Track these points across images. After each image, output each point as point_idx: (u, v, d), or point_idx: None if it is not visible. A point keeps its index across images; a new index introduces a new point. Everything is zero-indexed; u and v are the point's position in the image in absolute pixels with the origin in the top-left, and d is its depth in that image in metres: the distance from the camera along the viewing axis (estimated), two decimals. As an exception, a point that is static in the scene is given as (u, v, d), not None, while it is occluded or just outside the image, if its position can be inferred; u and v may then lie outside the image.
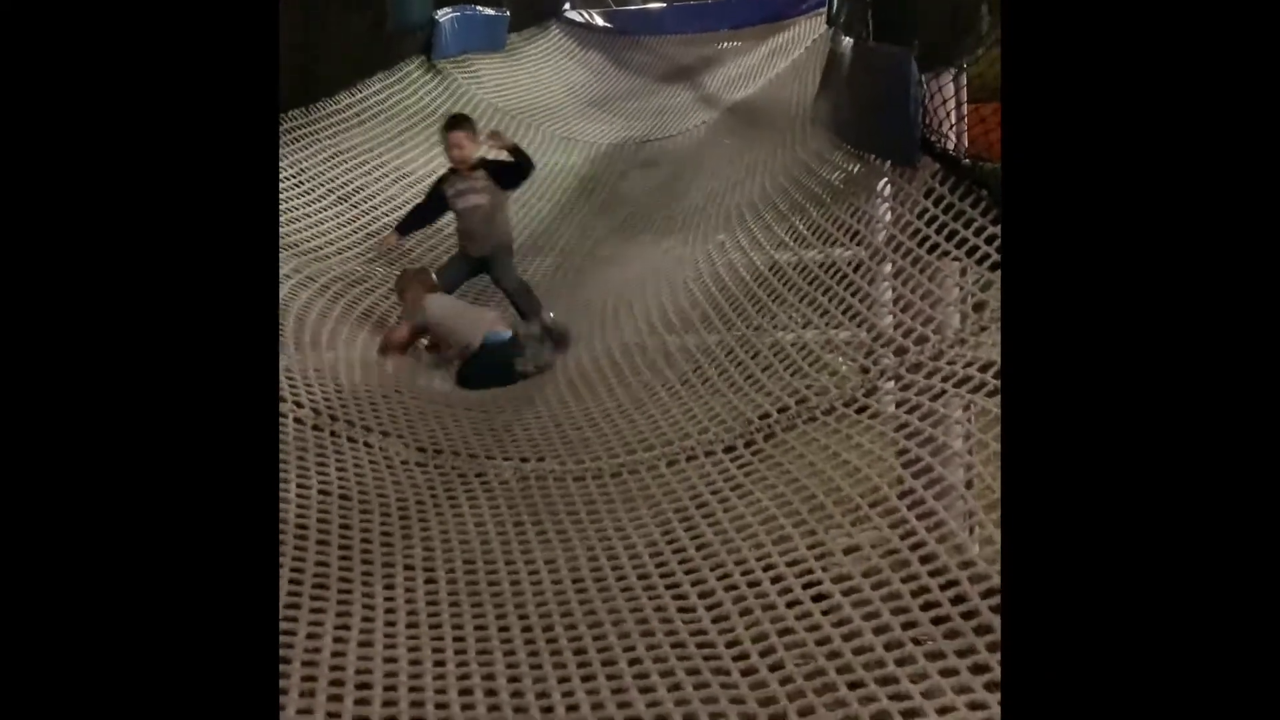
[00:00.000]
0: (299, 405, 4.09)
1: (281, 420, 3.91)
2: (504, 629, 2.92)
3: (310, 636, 2.76)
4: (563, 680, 2.63)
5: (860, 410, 3.52)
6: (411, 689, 2.62)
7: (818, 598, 2.73)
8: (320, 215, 6.05)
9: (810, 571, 2.83)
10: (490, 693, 2.59)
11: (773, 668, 2.56)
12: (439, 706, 2.54)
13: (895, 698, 2.30)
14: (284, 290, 4.84)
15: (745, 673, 2.58)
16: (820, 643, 2.58)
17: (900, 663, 2.39)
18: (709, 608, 2.85)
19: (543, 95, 9.46)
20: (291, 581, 3.00)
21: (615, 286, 5.84)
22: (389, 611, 2.94)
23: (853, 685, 2.40)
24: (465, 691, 2.61)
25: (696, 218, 6.47)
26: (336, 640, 2.77)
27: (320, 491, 3.59)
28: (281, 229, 5.42)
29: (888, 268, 4.08)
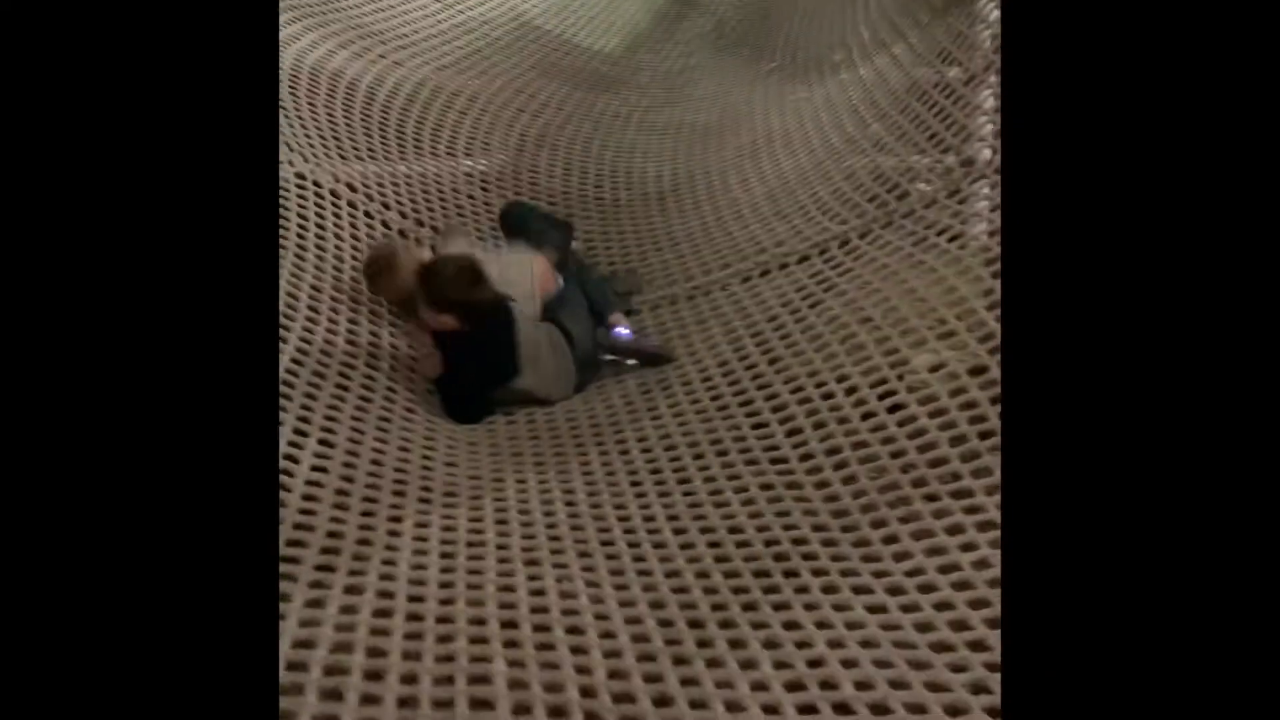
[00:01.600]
0: (385, 207, 3.97)
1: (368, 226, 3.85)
2: (582, 453, 2.92)
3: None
4: (643, 506, 2.60)
5: (947, 231, 3.28)
6: (496, 500, 2.63)
7: (893, 409, 2.62)
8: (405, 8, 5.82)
9: (885, 381, 2.71)
10: (572, 510, 2.59)
11: (846, 480, 2.50)
12: (523, 523, 2.52)
13: (969, 511, 2.22)
14: (369, 77, 4.62)
15: (819, 485, 2.52)
16: (895, 455, 2.49)
17: (976, 474, 2.29)
18: (782, 421, 2.78)
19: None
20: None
21: (711, 105, 5.56)
22: (451, 436, 2.95)
23: (928, 498, 2.33)
24: (547, 509, 2.60)
25: (796, 39, 6.08)
26: (448, 454, 2.81)
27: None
28: (368, 18, 5.25)
29: (984, 91, 3.77)
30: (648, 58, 6.14)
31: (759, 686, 1.84)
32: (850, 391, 2.74)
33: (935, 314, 2.87)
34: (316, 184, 3.74)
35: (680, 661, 1.91)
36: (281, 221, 3.42)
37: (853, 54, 5.06)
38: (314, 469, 2.52)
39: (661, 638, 1.98)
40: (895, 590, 2.08)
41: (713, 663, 1.91)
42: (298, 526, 2.28)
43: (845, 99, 4.66)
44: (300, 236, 3.46)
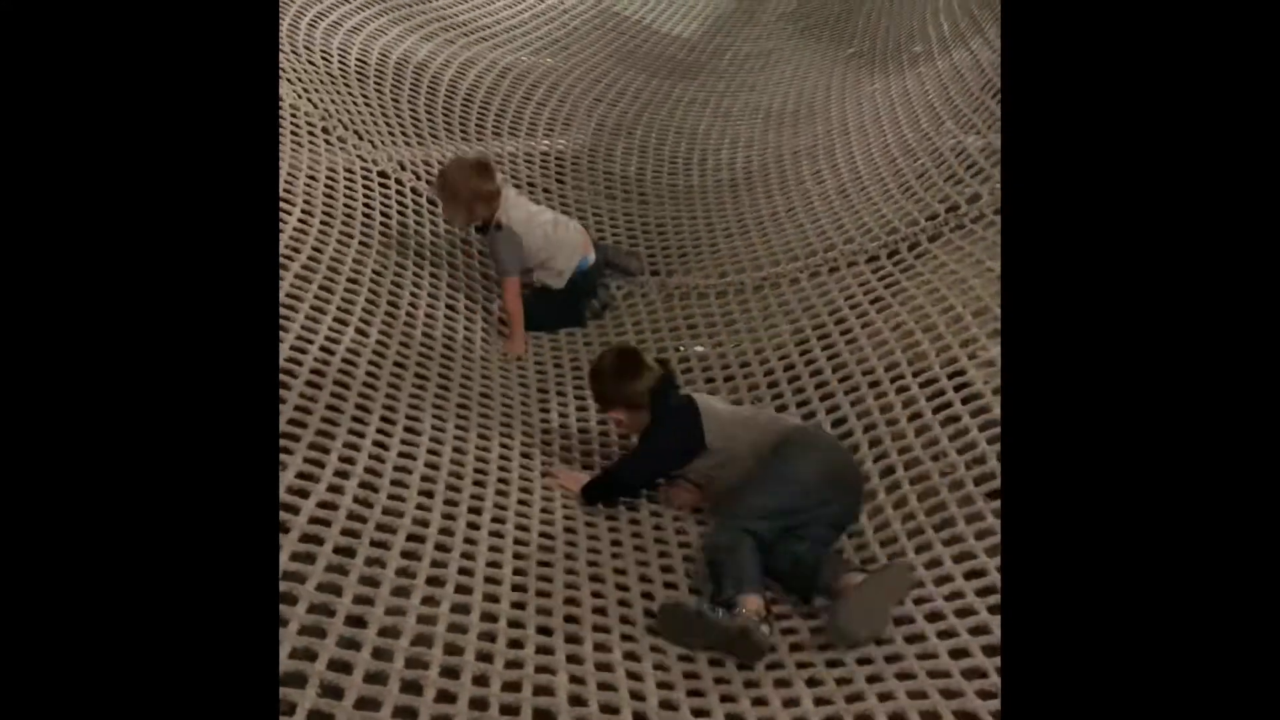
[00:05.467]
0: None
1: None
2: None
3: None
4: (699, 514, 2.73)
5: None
6: (564, 501, 2.75)
7: (946, 422, 2.71)
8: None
9: (942, 393, 2.80)
10: (634, 521, 2.71)
11: (883, 471, 2.64)
12: (589, 533, 2.62)
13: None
14: (451, 70, 4.79)
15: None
16: (944, 473, 2.58)
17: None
18: (842, 437, 2.85)
19: None
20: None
21: (788, 90, 5.62)
22: (526, 426, 3.08)
23: (970, 519, 2.41)
24: (611, 516, 2.73)
25: (876, 24, 6.08)
26: (503, 447, 2.91)
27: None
28: (451, 9, 5.42)
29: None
30: (727, 41, 6.20)
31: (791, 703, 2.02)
32: (908, 404, 2.84)
33: (990, 313, 2.97)
34: (399, 183, 3.90)
35: (727, 699, 2.04)
36: (365, 218, 3.60)
37: (932, 46, 5.07)
38: (401, 454, 2.64)
39: (711, 677, 2.11)
40: (935, 616, 2.21)
41: (758, 701, 2.05)
42: (386, 512, 2.40)
43: (922, 93, 4.69)
44: (384, 232, 3.62)
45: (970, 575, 2.27)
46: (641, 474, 2.83)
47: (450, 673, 1.94)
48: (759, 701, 2.04)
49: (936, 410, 2.75)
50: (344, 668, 1.89)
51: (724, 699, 2.04)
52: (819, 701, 2.02)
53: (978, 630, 2.13)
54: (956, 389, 2.78)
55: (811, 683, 2.08)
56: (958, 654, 2.09)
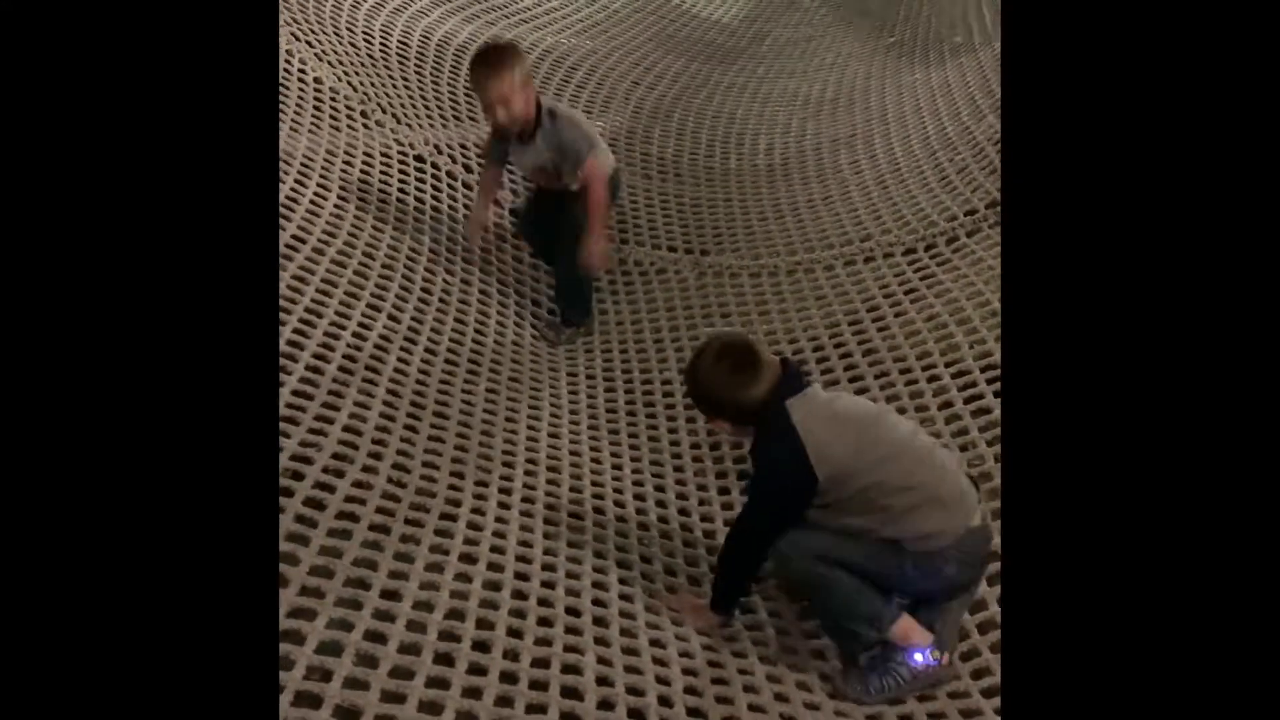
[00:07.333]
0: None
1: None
2: (672, 426, 3.05)
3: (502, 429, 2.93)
4: (726, 505, 2.72)
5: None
6: (594, 475, 2.80)
7: (977, 413, 2.71)
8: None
9: (974, 384, 2.81)
10: (662, 510, 2.72)
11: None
12: (618, 516, 2.66)
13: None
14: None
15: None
16: (965, 448, 2.59)
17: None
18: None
19: None
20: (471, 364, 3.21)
21: (827, 77, 5.60)
22: (554, 406, 3.10)
23: (990, 496, 2.37)
24: (639, 496, 2.77)
25: (917, 13, 6.04)
26: (530, 428, 2.93)
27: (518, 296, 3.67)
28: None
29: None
30: (767, 26, 6.18)
31: (811, 707, 2.04)
32: (939, 393, 2.84)
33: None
34: (435, 166, 3.92)
35: (749, 690, 2.06)
36: (400, 201, 3.63)
37: (973, 36, 5.02)
38: (431, 438, 2.68)
39: (735, 668, 2.13)
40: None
41: (780, 697, 2.08)
42: (419, 492, 2.44)
43: (963, 85, 4.65)
44: (418, 216, 3.62)
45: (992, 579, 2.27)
46: (757, 546, 2.11)
47: (480, 647, 1.98)
48: (780, 698, 2.06)
49: (968, 400, 2.75)
50: (378, 638, 1.93)
51: (747, 689, 2.06)
52: (839, 715, 2.06)
53: (998, 647, 2.12)
54: (989, 381, 2.78)
55: (834, 695, 2.11)
56: (979, 674, 2.10)
